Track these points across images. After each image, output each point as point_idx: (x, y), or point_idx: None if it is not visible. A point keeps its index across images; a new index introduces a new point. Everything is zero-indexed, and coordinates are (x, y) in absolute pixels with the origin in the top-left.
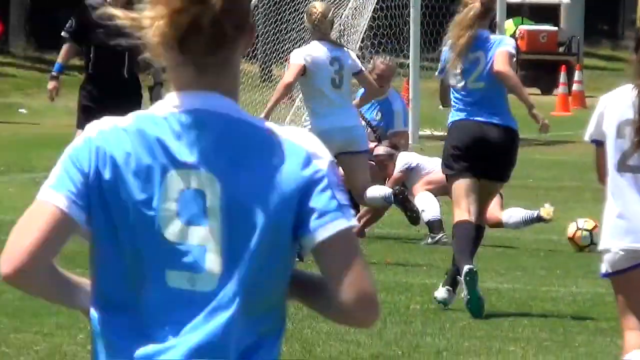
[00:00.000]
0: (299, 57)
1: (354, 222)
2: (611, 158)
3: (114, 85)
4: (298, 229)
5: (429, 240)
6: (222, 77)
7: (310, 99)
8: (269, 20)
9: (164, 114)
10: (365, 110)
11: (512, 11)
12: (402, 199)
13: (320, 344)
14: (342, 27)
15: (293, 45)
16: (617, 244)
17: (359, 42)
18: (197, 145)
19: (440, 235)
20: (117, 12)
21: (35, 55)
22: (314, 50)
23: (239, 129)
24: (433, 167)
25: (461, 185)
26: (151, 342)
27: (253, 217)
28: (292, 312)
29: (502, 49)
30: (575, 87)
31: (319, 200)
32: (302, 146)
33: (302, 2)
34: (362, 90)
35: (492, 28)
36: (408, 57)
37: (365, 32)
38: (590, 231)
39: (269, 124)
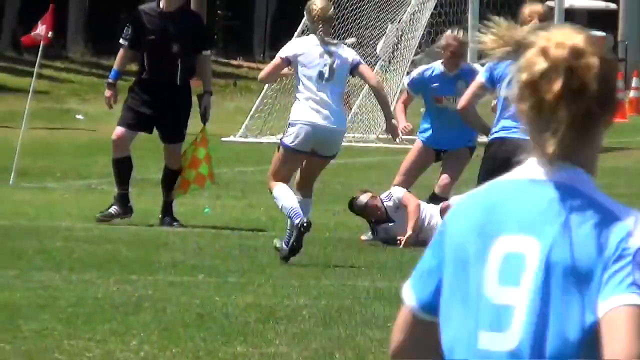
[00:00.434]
0: (281, 52)
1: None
2: None
3: (166, 90)
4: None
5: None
6: (584, 149)
7: (298, 90)
8: None
9: (524, 177)
10: (442, 89)
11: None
12: (300, 232)
13: (373, 351)
14: (399, 33)
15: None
16: None
17: (416, 48)
18: (534, 212)
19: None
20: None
21: (93, 61)
22: (305, 43)
23: (581, 202)
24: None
25: None
26: None
27: (566, 282)
28: (345, 319)
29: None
30: (632, 93)
31: (618, 273)
32: (627, 223)
33: (359, 9)
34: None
35: None
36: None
37: (422, 38)
38: None
39: (608, 201)
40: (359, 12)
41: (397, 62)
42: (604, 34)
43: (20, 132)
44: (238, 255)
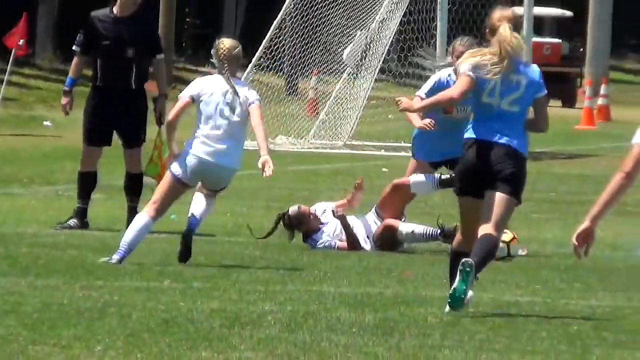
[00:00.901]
0: (185, 92)
1: None
2: None
3: (121, 96)
4: None
5: None
6: None
7: (197, 126)
8: (295, 34)
9: None
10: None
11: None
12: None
13: (338, 356)
14: (368, 40)
15: (319, 58)
16: None
17: (384, 55)
18: None
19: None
20: None
21: (61, 68)
22: (210, 82)
23: None
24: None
25: None
26: None
27: None
28: (310, 324)
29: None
30: (600, 100)
31: None
32: None
33: (328, 16)
34: None
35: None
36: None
37: (391, 45)
38: (508, 243)
39: None
40: (327, 20)
41: (366, 69)
42: (559, 40)
43: None
44: (204, 261)
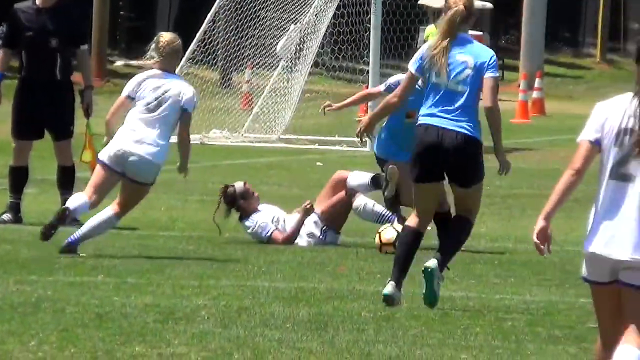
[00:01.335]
0: (124, 90)
1: None
2: (606, 165)
3: (46, 88)
4: None
5: None
6: None
7: (127, 116)
8: (229, 28)
9: None
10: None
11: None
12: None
13: (271, 351)
14: (302, 34)
15: (253, 52)
16: (600, 251)
17: (318, 49)
18: None
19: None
20: None
21: None
22: (145, 76)
23: None
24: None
25: None
26: None
27: None
28: (244, 319)
29: (491, 75)
30: (535, 94)
31: None
32: None
33: (262, 9)
34: None
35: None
36: (368, 64)
37: (325, 39)
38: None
39: None
40: (261, 13)
41: (300, 62)
42: (481, 33)
43: None
44: (138, 256)
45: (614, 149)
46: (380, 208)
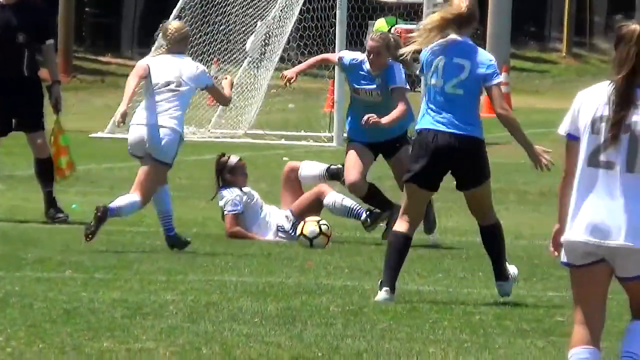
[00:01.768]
0: (142, 60)
1: None
2: (583, 153)
3: (13, 83)
4: None
5: None
6: None
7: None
8: (196, 23)
9: None
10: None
11: (388, 10)
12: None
13: (240, 346)
14: (268, 29)
15: (220, 47)
16: (579, 237)
17: (285, 44)
18: None
19: None
20: None
21: None
22: (159, 58)
23: None
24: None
25: None
26: None
27: None
28: (212, 314)
29: (494, 82)
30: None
31: None
32: None
33: (228, 5)
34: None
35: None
36: None
37: (291, 34)
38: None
39: None
40: (227, 9)
41: (267, 58)
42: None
43: None
44: (105, 252)
45: (591, 136)
46: (349, 202)
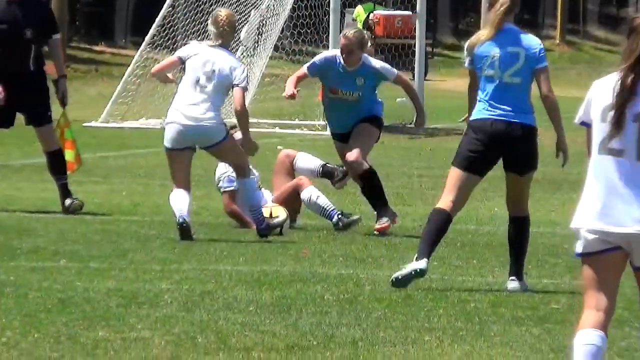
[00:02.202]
0: (178, 52)
1: None
2: (594, 140)
3: (20, 78)
4: None
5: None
6: None
7: (176, 90)
8: (189, 12)
9: None
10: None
11: None
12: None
13: (235, 335)
14: (262, 18)
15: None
16: (591, 225)
17: (279, 33)
18: None
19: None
20: None
21: None
22: (200, 47)
23: None
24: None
25: None
26: None
27: None
28: (207, 303)
29: (542, 65)
30: None
31: None
32: None
33: None
34: None
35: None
36: (328, 47)
37: (285, 23)
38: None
39: None
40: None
41: (260, 46)
42: (410, 12)
43: None
44: (100, 241)
45: (601, 124)
46: (323, 201)
